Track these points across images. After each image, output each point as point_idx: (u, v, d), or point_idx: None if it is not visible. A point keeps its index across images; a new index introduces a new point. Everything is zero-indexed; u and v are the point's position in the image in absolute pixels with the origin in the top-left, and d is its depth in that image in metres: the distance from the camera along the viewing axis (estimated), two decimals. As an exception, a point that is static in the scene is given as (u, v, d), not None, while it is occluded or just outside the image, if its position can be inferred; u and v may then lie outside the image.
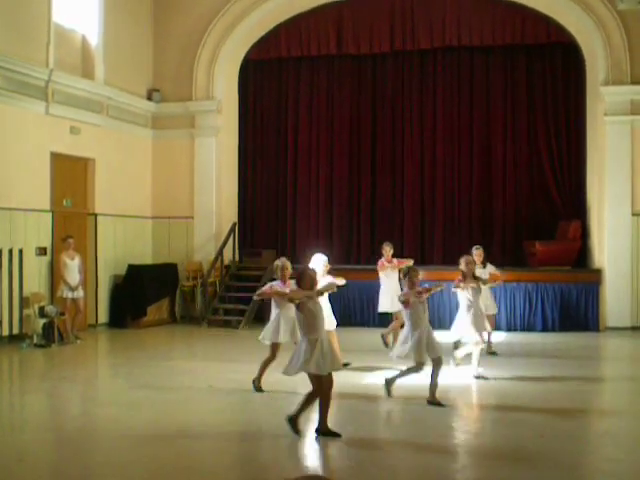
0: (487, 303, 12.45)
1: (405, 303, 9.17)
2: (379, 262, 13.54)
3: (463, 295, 10.85)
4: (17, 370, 12.85)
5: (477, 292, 10.93)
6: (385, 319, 14.17)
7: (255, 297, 10.25)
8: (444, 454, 7.43)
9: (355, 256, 19.00)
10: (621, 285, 16.37)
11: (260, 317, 17.38)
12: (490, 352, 12.69)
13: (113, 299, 17.18)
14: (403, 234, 18.73)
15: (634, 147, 16.47)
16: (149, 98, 18.70)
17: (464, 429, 8.39)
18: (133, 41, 18.24)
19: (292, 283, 8.83)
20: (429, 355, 9.16)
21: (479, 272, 11.79)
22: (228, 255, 18.42)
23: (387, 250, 13.56)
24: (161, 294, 17.61)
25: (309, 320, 7.75)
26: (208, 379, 10.90)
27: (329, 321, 10.54)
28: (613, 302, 16.36)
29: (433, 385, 9.15)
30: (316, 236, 19.25)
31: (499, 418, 8.85)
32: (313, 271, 8.20)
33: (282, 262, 10.18)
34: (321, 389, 7.73)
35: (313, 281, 7.93)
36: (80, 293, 14.71)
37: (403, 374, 9.45)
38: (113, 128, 17.26)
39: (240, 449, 7.73)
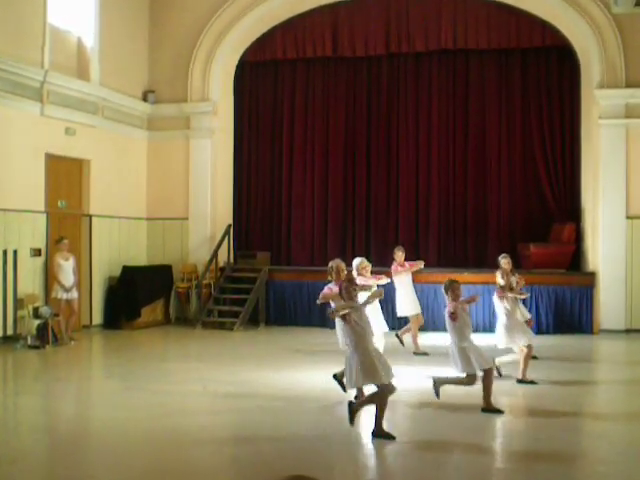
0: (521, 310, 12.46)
1: (453, 316, 8.98)
2: (393, 266, 13.55)
3: (502, 306, 10.89)
4: (11, 371, 12.82)
5: (515, 302, 11.06)
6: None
7: (318, 302, 10.15)
8: (439, 454, 7.45)
9: (350, 258, 18.93)
10: (615, 288, 16.38)
11: (254, 319, 17.42)
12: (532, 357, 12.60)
13: (108, 300, 17.16)
14: (398, 236, 18.72)
15: (629, 150, 16.50)
16: (144, 99, 18.69)
17: (457, 430, 8.39)
18: (129, 42, 18.23)
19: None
20: (479, 366, 8.95)
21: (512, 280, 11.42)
22: (223, 257, 18.41)
23: (399, 255, 13.61)
24: (155, 295, 17.59)
25: (357, 331, 7.81)
26: (202, 381, 10.89)
27: (378, 325, 10.63)
28: (607, 305, 16.37)
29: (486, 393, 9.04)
30: (311, 238, 19.28)
31: (492, 420, 8.85)
32: (350, 283, 8.18)
33: (336, 264, 10.00)
34: (384, 392, 7.83)
35: (350, 292, 7.96)
36: (74, 294, 14.69)
37: (452, 382, 9.23)
38: (108, 129, 17.25)
39: (234, 451, 7.72)
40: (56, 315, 14.39)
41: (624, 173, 16.49)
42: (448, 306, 9.13)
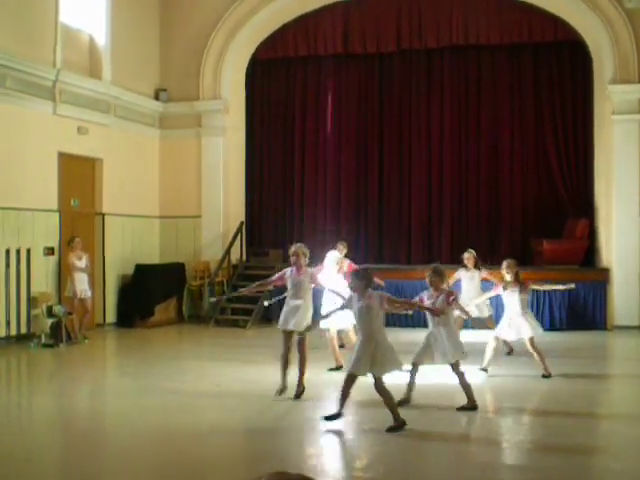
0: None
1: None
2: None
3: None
4: (25, 370, 12.89)
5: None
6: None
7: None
8: (445, 452, 7.44)
9: (362, 255, 18.97)
10: (629, 284, 16.32)
11: (267, 317, 17.41)
12: None
13: (121, 299, 17.22)
14: (410, 233, 18.74)
15: (642, 146, 16.43)
16: (156, 98, 18.73)
17: (468, 427, 8.38)
18: (140, 41, 18.27)
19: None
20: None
21: None
22: (235, 254, 18.43)
23: (340, 249, 12.98)
24: (169, 293, 17.64)
25: None
26: (216, 379, 10.91)
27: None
28: (621, 301, 16.32)
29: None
30: (323, 236, 19.25)
31: (507, 416, 8.83)
32: None
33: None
34: None
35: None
36: (88, 293, 14.74)
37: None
38: (120, 128, 17.29)
39: (247, 447, 7.73)
40: (70, 314, 14.44)
41: (637, 169, 16.40)
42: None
